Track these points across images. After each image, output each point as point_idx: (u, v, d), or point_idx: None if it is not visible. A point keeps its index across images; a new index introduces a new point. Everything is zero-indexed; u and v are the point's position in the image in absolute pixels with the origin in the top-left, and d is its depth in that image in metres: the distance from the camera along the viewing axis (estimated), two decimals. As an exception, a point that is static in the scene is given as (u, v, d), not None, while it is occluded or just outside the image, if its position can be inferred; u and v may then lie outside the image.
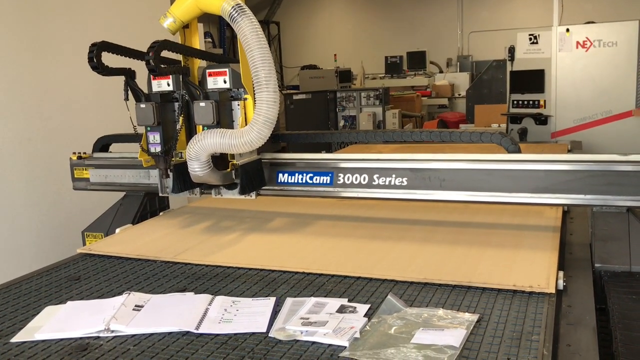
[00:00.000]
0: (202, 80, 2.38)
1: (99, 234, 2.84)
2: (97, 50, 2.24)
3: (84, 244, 2.82)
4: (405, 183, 2.34)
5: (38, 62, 3.77)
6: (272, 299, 1.81)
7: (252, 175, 2.44)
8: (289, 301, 1.79)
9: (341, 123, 9.28)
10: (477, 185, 2.24)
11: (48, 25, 3.85)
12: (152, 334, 1.62)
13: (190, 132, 2.47)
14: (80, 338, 1.61)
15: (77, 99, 4.07)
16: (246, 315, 1.72)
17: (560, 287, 1.83)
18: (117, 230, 2.70)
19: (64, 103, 3.96)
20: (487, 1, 15.33)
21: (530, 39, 6.77)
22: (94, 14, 4.24)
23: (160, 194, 2.61)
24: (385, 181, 2.37)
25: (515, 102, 6.94)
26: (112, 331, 1.64)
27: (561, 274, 1.87)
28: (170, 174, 2.45)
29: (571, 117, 6.50)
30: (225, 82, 2.33)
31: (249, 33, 2.06)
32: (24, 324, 1.73)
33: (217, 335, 1.60)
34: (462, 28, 15.69)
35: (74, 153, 3.01)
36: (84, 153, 3.02)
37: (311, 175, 2.48)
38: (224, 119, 2.34)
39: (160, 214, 2.98)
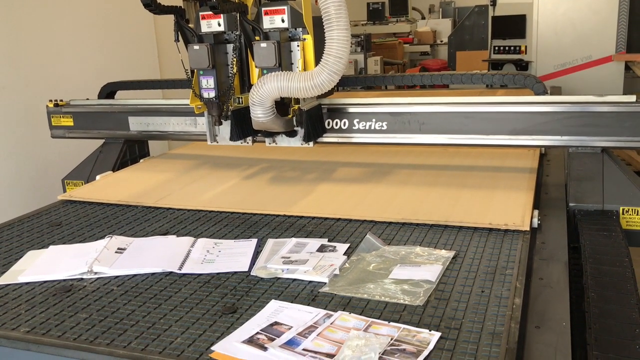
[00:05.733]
0: (256, 20, 2.21)
1: (80, 182, 2.83)
2: None
3: (65, 192, 2.80)
4: (385, 127, 2.36)
5: (8, 8, 3.65)
6: (254, 240, 1.84)
7: (315, 122, 2.32)
8: (270, 242, 1.82)
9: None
10: (456, 128, 2.26)
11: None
12: (135, 275, 1.65)
13: (243, 76, 2.35)
14: (64, 280, 1.64)
15: (52, 45, 3.97)
16: (228, 255, 1.75)
17: (535, 225, 1.88)
18: (98, 177, 2.69)
19: (38, 50, 3.86)
20: (470, -55, 15.00)
21: (513, -17, 6.70)
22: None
23: (209, 143, 2.45)
24: (365, 126, 2.38)
25: (496, 48, 6.93)
26: (95, 273, 1.66)
27: (536, 212, 1.92)
28: (225, 121, 2.32)
29: (552, 63, 6.50)
30: (283, 21, 2.13)
31: None
32: (7, 268, 1.75)
33: (200, 275, 1.63)
34: (445, -27, 15.40)
35: (50, 100, 2.97)
36: (61, 100, 2.97)
37: (291, 120, 2.47)
38: (283, 61, 2.17)
39: (141, 161, 2.97)
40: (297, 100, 2.22)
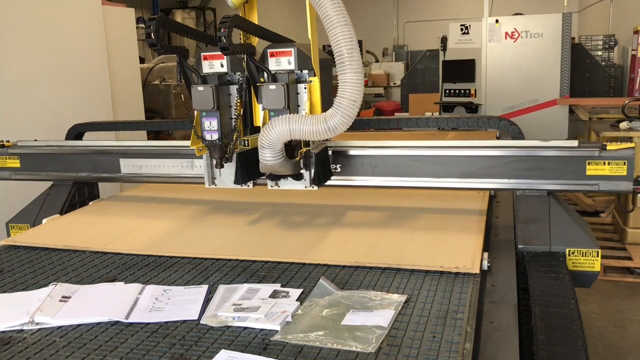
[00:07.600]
0: (260, 61, 2.18)
1: (25, 225, 2.74)
2: (156, 25, 2.03)
3: (9, 236, 2.71)
4: (338, 170, 2.38)
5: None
6: (205, 287, 1.80)
7: (324, 164, 2.28)
8: (221, 288, 1.79)
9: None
10: (407, 170, 2.30)
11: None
12: (79, 325, 1.59)
13: (246, 118, 2.30)
14: (2, 332, 1.56)
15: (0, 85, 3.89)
16: (178, 303, 1.70)
17: (485, 267, 1.91)
18: (44, 221, 2.61)
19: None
20: (421, -8, 15.60)
21: (462, 29, 6.97)
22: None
23: (207, 186, 2.38)
24: (319, 168, 2.39)
25: (447, 91, 7.14)
26: (37, 323, 1.59)
27: (486, 255, 1.95)
28: (226, 164, 2.25)
29: (500, 106, 6.75)
30: (289, 63, 2.14)
31: (330, 8, 1.85)
32: (-58, 319, 1.65)
33: (148, 324, 1.58)
34: (398, 18, 15.93)
35: (-4, 141, 2.89)
36: (7, 141, 2.89)
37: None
38: (291, 103, 2.14)
39: (90, 203, 2.90)
40: (305, 142, 2.19)
